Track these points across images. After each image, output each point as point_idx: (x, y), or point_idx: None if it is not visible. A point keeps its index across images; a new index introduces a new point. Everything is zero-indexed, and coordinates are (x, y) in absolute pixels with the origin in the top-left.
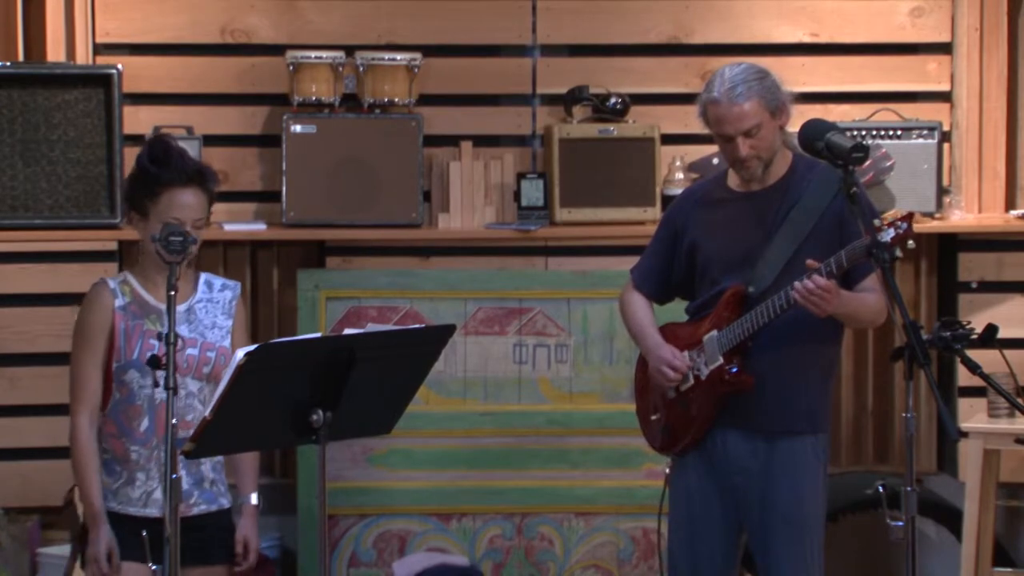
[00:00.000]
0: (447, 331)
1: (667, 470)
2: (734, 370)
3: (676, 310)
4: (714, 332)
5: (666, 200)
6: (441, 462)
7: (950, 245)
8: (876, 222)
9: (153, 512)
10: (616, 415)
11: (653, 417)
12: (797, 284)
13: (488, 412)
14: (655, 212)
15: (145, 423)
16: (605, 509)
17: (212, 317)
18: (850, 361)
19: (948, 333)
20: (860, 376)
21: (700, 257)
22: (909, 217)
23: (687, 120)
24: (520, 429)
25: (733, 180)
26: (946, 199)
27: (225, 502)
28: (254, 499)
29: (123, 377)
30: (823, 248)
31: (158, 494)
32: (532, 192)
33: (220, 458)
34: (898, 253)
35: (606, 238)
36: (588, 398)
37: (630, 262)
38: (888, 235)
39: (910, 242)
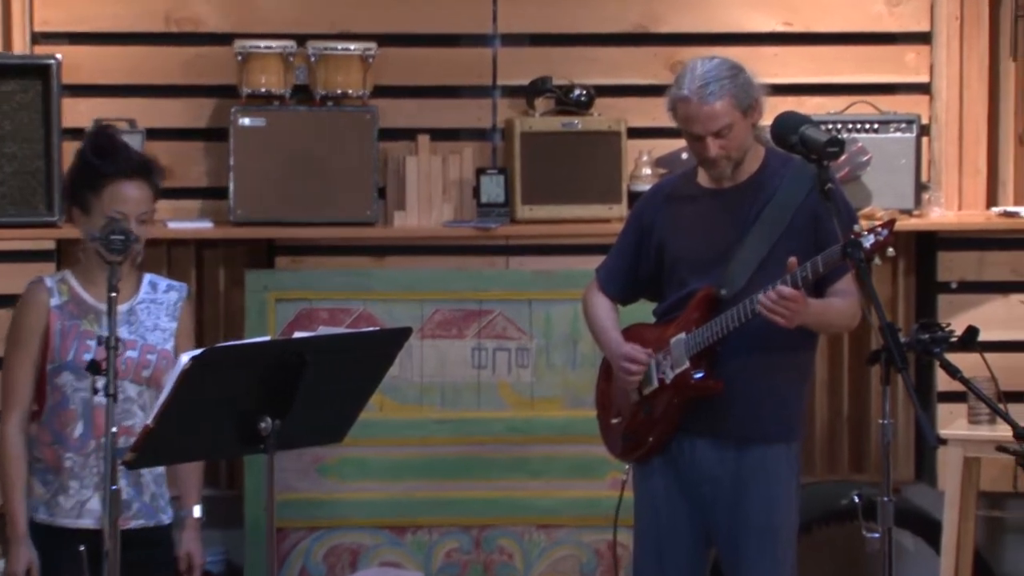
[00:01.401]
0: (403, 334)
1: (624, 478)
2: (699, 375)
3: (644, 312)
4: (682, 335)
5: (633, 196)
6: (396, 472)
7: (929, 244)
8: (856, 228)
9: (88, 523)
10: (579, 422)
11: (614, 421)
12: (762, 296)
13: (445, 419)
14: (621, 209)
15: (80, 428)
16: (568, 521)
17: (154, 319)
18: (825, 365)
19: (927, 336)
20: (835, 381)
21: (668, 257)
22: (890, 224)
23: (655, 113)
24: (479, 437)
25: (703, 176)
26: (925, 195)
27: (165, 518)
28: (197, 511)
29: (56, 379)
30: (798, 247)
31: (93, 504)
32: (492, 188)
33: (162, 468)
34: (877, 261)
35: (570, 236)
36: (550, 404)
37: (595, 262)
38: (868, 241)
39: (889, 250)
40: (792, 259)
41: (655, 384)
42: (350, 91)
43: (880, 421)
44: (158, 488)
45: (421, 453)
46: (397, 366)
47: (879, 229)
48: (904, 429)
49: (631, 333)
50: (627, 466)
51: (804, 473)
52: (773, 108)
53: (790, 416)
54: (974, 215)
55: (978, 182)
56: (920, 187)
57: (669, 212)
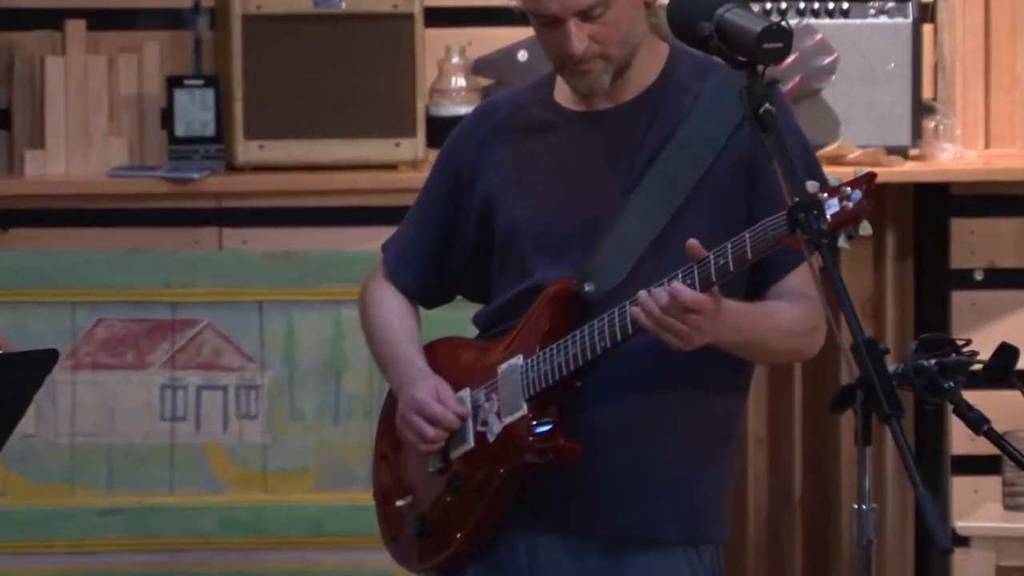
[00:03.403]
0: (43, 363)
1: None
2: (545, 428)
3: (462, 319)
4: (517, 360)
5: (437, 126)
6: None
7: (937, 206)
8: (811, 184)
9: None
10: (345, 512)
11: (401, 503)
12: (641, 298)
13: (116, 508)
14: (416, 147)
15: None
16: None
17: None
18: (762, 414)
19: (933, 361)
20: (780, 439)
21: (501, 227)
22: (868, 179)
23: None
24: (174, 539)
25: (563, 92)
26: (929, 124)
27: None
28: None
29: None
30: (718, 216)
31: None
32: (194, 112)
33: None
34: (842, 243)
35: (328, 194)
36: (295, 481)
37: (377, 236)
38: (831, 207)
39: (864, 226)
40: (691, 241)
41: (470, 442)
42: None
43: (856, 507)
44: None
45: (76, 567)
46: (31, 418)
47: (847, 188)
48: (896, 520)
49: (437, 354)
50: None
51: None
52: None
53: (700, 502)
54: (1009, 156)
55: (1014, 101)
56: (920, 109)
57: (504, 153)
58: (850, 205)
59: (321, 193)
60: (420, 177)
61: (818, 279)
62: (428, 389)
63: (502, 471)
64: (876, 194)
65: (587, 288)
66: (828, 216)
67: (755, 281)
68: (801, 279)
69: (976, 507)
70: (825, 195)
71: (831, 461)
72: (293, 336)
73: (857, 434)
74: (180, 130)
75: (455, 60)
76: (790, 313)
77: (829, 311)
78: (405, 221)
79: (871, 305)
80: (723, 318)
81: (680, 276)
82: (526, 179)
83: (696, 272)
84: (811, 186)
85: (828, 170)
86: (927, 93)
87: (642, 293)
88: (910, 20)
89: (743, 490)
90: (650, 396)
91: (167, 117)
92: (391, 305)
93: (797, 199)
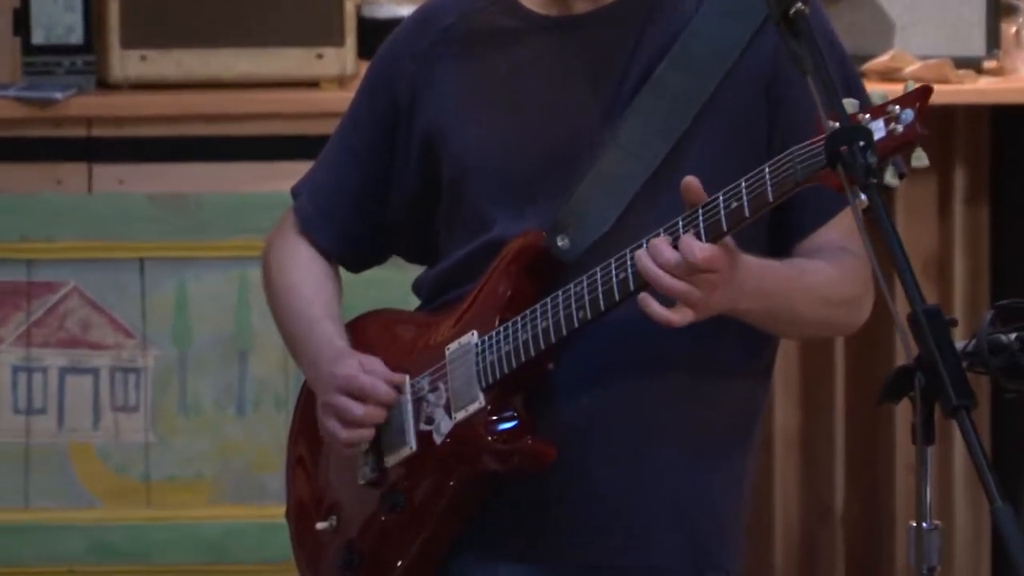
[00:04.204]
0: None
1: None
2: (508, 425)
3: (395, 287)
4: (471, 337)
5: (372, 32)
6: None
7: (1019, 133)
8: (851, 103)
9: None
10: (251, 533)
11: (321, 525)
12: (640, 253)
13: None
14: (346, 59)
15: None
16: None
17: None
18: (792, 404)
19: (1013, 336)
20: (816, 438)
21: (450, 166)
22: (921, 96)
23: None
24: (31, 567)
25: None
26: (1009, 29)
27: None
28: None
29: None
30: (731, 147)
31: None
32: (56, 14)
33: None
34: (890, 179)
35: (230, 120)
36: (187, 493)
37: (293, 174)
38: (878, 131)
39: (918, 155)
40: (688, 179)
41: (411, 445)
42: None
43: (913, 525)
44: None
45: None
46: None
47: (894, 107)
48: (966, 542)
49: (366, 330)
50: None
51: None
52: None
53: (708, 519)
54: None
55: None
56: (998, 11)
57: (452, 70)
58: (899, 128)
59: (221, 119)
60: (348, 98)
61: (864, 230)
62: (351, 364)
63: (453, 482)
64: (943, 119)
65: (560, 243)
66: (879, 140)
67: (778, 236)
68: (841, 230)
69: None
70: (867, 116)
71: (882, 466)
72: (185, 304)
73: (915, 431)
74: (38, 37)
75: None
76: (827, 273)
77: (880, 271)
78: (322, 158)
79: (934, 264)
80: (741, 278)
81: (681, 224)
82: (481, 104)
83: (701, 218)
84: (848, 104)
85: (877, 88)
86: None
87: (644, 244)
88: None
89: (768, 504)
90: (643, 383)
91: (20, 20)
92: (304, 268)
93: (837, 125)
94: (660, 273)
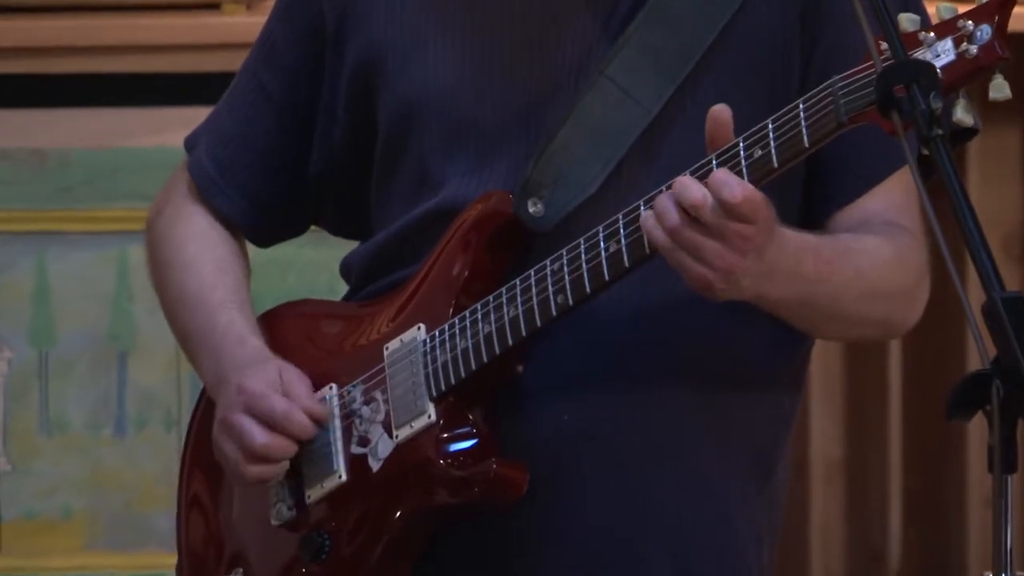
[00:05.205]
0: None
1: None
2: (466, 445)
3: (319, 267)
4: (417, 332)
5: None
6: None
7: None
8: (905, 20)
9: None
10: None
11: None
12: (663, 195)
13: None
14: None
15: None
16: None
17: None
18: (836, 421)
19: None
20: (866, 464)
21: (389, 111)
22: (1002, 7)
23: None
24: None
25: None
26: None
27: None
28: None
29: None
30: (753, 83)
31: None
32: None
33: None
34: (961, 114)
35: (106, 53)
36: (51, 535)
37: (188, 122)
38: (945, 56)
39: (998, 84)
40: (719, 107)
41: (340, 474)
42: None
43: None
44: None
45: None
46: None
47: (967, 22)
48: None
49: (285, 327)
50: None
51: None
52: None
53: (722, 564)
54: None
55: None
56: None
57: None
58: (973, 50)
59: (94, 51)
60: (258, 23)
61: (927, 196)
62: (267, 376)
63: (393, 520)
64: (1005, 38)
65: (532, 208)
66: (943, 68)
67: (810, 204)
68: (890, 199)
69: None
70: (930, 35)
71: (949, 500)
72: (47, 291)
73: (991, 455)
74: None
75: None
76: (881, 255)
77: (947, 250)
78: (225, 101)
79: (1018, 239)
80: (774, 256)
81: (739, 154)
82: (432, 25)
83: (716, 168)
84: (906, 21)
85: (936, 4)
86: None
87: (665, 191)
88: None
89: (803, 546)
90: (639, 391)
91: None
92: (201, 242)
93: (892, 56)
94: (680, 223)
